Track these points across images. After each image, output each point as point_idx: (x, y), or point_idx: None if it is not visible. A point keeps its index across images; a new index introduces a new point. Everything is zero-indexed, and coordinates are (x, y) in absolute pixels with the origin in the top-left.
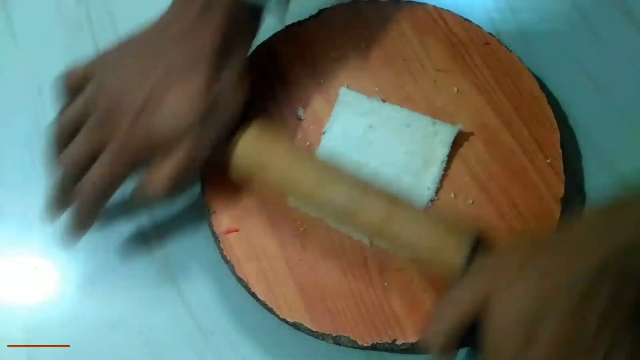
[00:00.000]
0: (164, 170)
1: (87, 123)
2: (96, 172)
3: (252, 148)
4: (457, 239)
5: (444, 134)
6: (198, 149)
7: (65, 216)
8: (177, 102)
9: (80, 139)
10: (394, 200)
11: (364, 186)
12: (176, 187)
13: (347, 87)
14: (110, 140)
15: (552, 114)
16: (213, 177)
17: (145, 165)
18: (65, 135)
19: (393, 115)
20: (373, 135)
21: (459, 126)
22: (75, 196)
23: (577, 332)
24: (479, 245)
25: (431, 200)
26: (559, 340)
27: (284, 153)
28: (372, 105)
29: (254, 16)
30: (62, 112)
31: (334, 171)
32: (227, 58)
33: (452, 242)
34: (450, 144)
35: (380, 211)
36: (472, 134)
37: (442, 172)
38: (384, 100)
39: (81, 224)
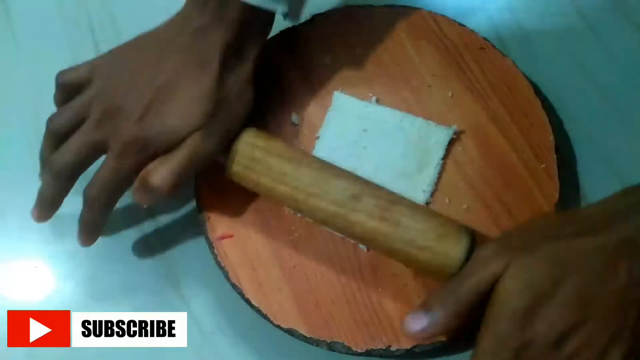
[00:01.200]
0: (168, 166)
1: (86, 123)
2: (103, 175)
3: (250, 146)
4: (456, 232)
5: (439, 136)
6: (202, 150)
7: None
8: (184, 103)
9: (76, 138)
10: (391, 195)
11: (362, 182)
12: (177, 185)
13: (341, 91)
14: (110, 142)
15: (546, 119)
16: (208, 183)
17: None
18: (60, 136)
19: (387, 118)
20: (367, 139)
21: (454, 128)
22: (84, 202)
23: (592, 301)
24: (475, 241)
25: (427, 203)
26: (573, 305)
27: (280, 151)
28: (365, 109)
29: (266, 21)
30: (57, 114)
31: (330, 168)
32: (238, 60)
33: (452, 235)
34: (446, 146)
35: (379, 204)
36: (464, 132)
37: (438, 175)
38: (378, 102)
39: (92, 229)
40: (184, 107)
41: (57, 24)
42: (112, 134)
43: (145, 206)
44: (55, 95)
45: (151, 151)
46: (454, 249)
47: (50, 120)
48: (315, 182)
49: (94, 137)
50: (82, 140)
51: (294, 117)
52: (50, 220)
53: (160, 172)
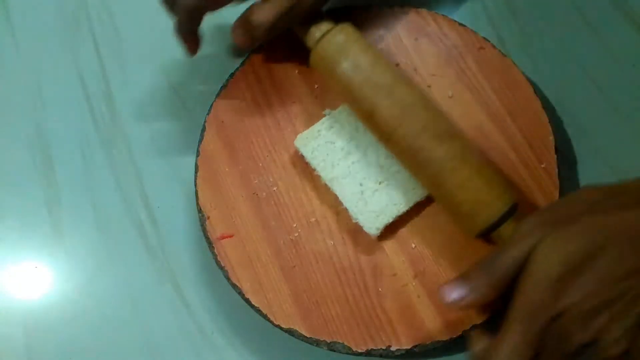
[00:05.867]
0: (271, 6)
1: None
2: None
3: (351, 31)
4: (504, 190)
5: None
6: None
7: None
8: None
9: None
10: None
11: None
12: (274, 28)
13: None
14: None
15: (546, 119)
16: (208, 183)
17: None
18: None
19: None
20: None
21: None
22: (177, 11)
23: (627, 278)
24: (516, 209)
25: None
26: (608, 279)
27: (375, 53)
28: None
29: None
30: None
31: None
32: None
33: (499, 190)
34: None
35: (447, 124)
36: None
37: None
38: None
39: (189, 36)
40: None
41: (57, 24)
42: None
43: (236, 53)
44: None
45: None
46: (496, 203)
47: None
48: (392, 91)
49: None
50: None
51: (294, 117)
52: (50, 221)
53: (263, 10)
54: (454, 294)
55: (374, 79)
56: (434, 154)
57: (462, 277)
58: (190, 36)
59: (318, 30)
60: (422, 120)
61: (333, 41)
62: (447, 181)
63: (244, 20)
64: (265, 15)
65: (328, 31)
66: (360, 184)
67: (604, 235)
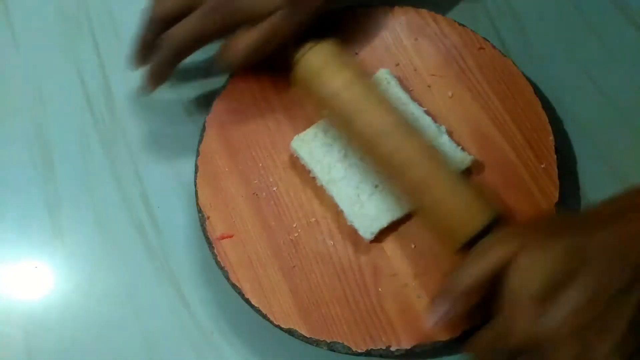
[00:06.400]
0: (246, 38)
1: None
2: (181, 28)
3: (327, 54)
4: (485, 203)
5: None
6: (283, 26)
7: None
8: None
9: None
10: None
11: (411, 126)
12: (253, 58)
13: None
14: (201, 4)
15: (546, 119)
16: (208, 183)
17: (230, 34)
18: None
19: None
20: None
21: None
22: (160, 47)
23: (595, 306)
24: (497, 223)
25: None
26: (587, 301)
27: (353, 71)
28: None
29: None
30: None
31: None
32: None
33: (479, 204)
34: None
35: (420, 146)
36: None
37: None
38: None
39: (159, 75)
40: None
41: (57, 24)
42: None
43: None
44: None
45: (237, 18)
46: (480, 214)
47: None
48: (366, 115)
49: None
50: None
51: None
52: (50, 221)
53: (237, 44)
54: (433, 318)
55: (348, 104)
56: (411, 172)
57: (438, 296)
58: (167, 73)
59: (297, 52)
60: (396, 142)
61: (306, 65)
62: (426, 197)
63: (226, 47)
64: (243, 46)
65: (303, 54)
66: (357, 187)
67: (583, 253)
